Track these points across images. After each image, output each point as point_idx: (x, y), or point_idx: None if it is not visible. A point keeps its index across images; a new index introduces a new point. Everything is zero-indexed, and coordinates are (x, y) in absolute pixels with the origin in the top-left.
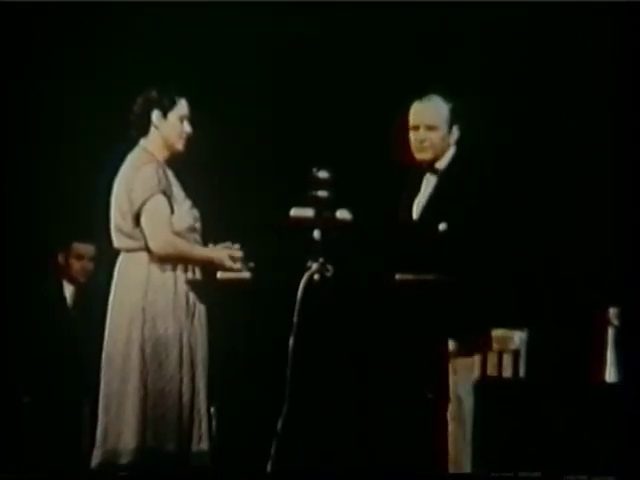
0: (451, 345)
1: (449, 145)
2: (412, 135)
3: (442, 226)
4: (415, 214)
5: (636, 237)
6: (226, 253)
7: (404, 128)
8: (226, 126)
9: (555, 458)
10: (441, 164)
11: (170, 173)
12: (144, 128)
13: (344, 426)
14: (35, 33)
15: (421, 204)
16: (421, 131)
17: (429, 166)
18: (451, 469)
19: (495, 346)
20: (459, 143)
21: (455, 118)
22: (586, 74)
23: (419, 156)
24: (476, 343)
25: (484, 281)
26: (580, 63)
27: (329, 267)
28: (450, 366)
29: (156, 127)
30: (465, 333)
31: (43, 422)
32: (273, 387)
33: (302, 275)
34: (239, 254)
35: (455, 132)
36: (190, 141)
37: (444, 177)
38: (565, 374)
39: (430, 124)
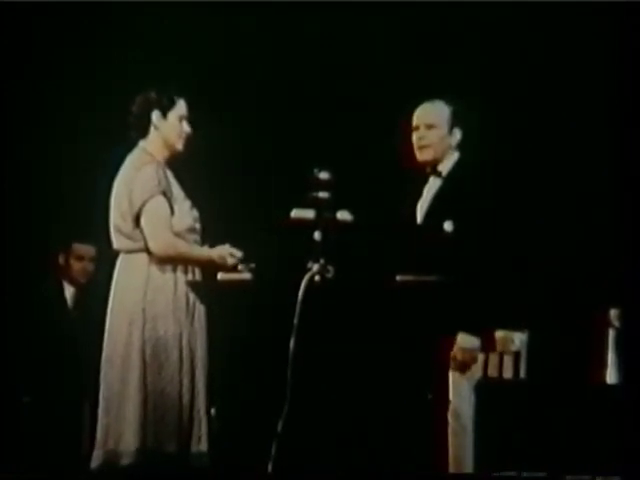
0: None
1: (450, 147)
2: (413, 135)
3: (447, 225)
4: (419, 217)
5: (636, 237)
6: (227, 253)
7: (408, 131)
8: (226, 126)
9: (556, 459)
10: (444, 167)
11: (170, 173)
12: (144, 129)
13: (344, 426)
14: (35, 33)
15: (424, 207)
16: (421, 130)
17: (432, 169)
18: (451, 469)
19: (496, 347)
20: (461, 146)
21: (457, 120)
22: (586, 74)
23: (420, 156)
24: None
25: (485, 283)
26: (580, 63)
27: (330, 268)
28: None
29: (156, 127)
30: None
31: (43, 422)
32: (273, 388)
33: (303, 276)
34: (240, 254)
35: (457, 134)
36: (190, 141)
37: (446, 180)
38: (566, 375)
39: (429, 123)
